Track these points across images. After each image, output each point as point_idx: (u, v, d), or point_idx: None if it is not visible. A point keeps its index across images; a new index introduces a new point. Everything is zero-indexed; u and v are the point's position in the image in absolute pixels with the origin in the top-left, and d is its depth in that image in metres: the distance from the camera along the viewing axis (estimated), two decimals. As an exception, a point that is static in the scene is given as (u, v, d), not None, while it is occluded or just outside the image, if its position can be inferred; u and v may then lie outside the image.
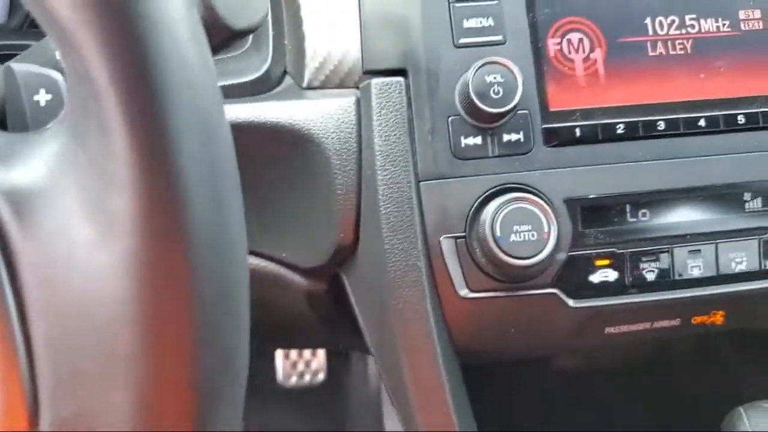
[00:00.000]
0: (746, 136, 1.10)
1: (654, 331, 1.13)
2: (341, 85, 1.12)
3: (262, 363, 1.94)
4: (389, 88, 1.06)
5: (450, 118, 1.05)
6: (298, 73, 1.14)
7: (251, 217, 1.24)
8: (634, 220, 1.08)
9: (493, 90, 1.01)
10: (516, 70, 1.02)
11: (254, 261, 1.22)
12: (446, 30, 1.07)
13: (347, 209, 1.07)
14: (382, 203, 1.03)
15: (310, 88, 1.12)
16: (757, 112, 1.10)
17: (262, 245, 1.21)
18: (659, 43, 1.11)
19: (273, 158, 1.13)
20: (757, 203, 1.11)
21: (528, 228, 1.01)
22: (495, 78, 1.02)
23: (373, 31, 1.07)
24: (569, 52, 1.09)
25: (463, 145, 1.04)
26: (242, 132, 1.08)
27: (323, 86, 1.12)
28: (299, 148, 1.08)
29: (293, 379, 1.94)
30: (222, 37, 0.61)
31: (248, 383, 0.56)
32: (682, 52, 1.11)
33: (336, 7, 1.13)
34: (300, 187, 1.13)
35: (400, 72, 1.07)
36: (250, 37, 1.21)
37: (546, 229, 1.01)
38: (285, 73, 1.18)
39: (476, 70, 1.02)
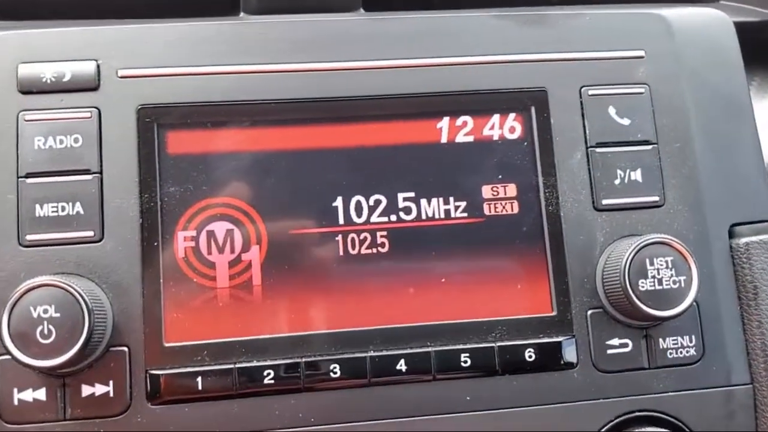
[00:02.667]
0: (473, 385, 0.72)
1: None
2: None
3: None
4: None
5: (0, 359, 0.68)
6: None
7: None
8: None
9: (42, 330, 0.65)
10: (81, 295, 0.65)
11: None
12: (9, 219, 0.70)
13: None
14: None
15: None
16: (491, 348, 0.72)
17: None
18: (352, 237, 0.74)
19: None
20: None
21: None
22: (47, 311, 0.65)
23: None
24: (209, 252, 0.72)
25: (16, 402, 0.68)
26: None
27: None
28: None
29: None
30: None
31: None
32: (385, 250, 0.74)
33: None
34: None
35: (-63, 281, 0.70)
36: None
37: None
38: None
39: (18, 298, 0.65)
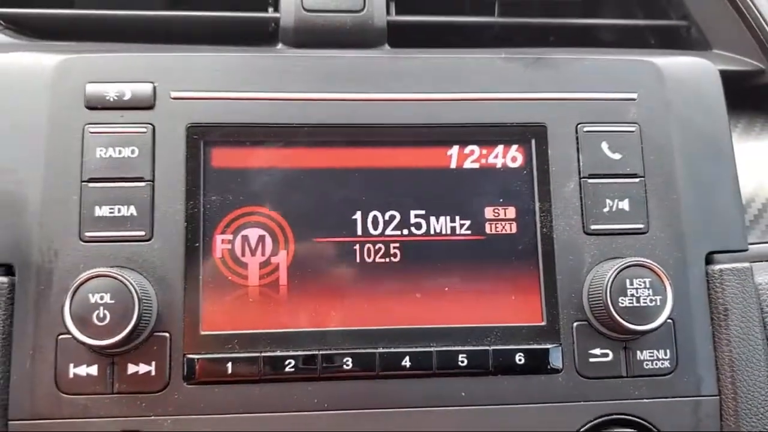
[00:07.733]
0: (468, 382, 0.82)
1: None
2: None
3: None
4: (-16, 292, 0.80)
5: (60, 337, 0.79)
6: None
7: None
8: (305, 487, 0.80)
9: (98, 314, 0.75)
10: (133, 286, 0.76)
11: None
12: (72, 218, 0.81)
13: None
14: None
15: None
16: (486, 351, 0.82)
17: None
18: (368, 247, 0.84)
19: None
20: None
21: None
22: (102, 298, 0.76)
23: (-21, 210, 0.82)
24: (242, 254, 0.83)
25: (71, 376, 0.78)
26: None
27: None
28: None
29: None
30: None
31: None
32: (397, 260, 0.84)
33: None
34: None
35: (9, 269, 0.81)
36: None
37: None
38: None
39: (79, 285, 0.76)
